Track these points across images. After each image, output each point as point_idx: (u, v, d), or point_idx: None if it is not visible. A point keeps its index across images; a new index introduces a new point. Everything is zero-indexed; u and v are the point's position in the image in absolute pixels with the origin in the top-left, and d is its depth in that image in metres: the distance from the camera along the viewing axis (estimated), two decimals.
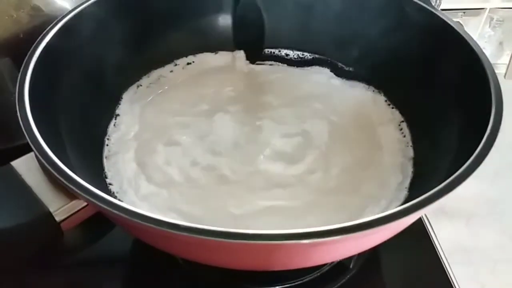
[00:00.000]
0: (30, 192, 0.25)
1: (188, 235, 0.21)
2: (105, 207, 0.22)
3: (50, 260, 0.37)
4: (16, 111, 0.28)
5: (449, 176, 0.26)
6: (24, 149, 0.28)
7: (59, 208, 0.25)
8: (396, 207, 0.31)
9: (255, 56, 0.48)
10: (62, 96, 0.34)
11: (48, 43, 0.33)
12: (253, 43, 0.48)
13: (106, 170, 0.37)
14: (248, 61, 0.48)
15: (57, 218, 0.25)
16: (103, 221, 0.27)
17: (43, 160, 0.24)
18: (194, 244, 0.24)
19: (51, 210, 0.25)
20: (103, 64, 0.40)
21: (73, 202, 0.25)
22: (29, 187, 0.26)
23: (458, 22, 0.37)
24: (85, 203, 0.25)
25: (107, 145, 0.39)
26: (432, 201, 0.25)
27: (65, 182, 0.23)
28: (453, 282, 0.36)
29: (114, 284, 0.37)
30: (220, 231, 0.22)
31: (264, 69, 0.49)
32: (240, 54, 0.48)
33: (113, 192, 0.35)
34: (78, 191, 0.23)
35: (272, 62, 0.49)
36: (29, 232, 0.24)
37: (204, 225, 0.22)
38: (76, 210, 0.25)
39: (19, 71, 0.31)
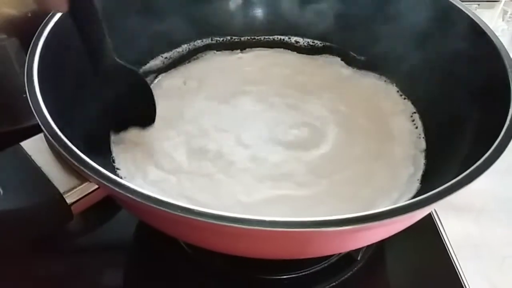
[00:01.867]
0: (40, 173, 0.25)
1: (216, 223, 0.21)
2: (118, 190, 0.21)
3: (54, 244, 0.37)
4: (25, 91, 0.28)
5: (463, 170, 0.25)
6: (30, 131, 0.27)
7: (70, 190, 0.24)
8: (407, 199, 0.30)
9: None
10: (70, 77, 0.34)
11: (56, 23, 0.33)
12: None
13: (113, 154, 0.36)
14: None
15: (68, 200, 0.24)
16: (108, 205, 0.27)
17: (53, 141, 0.24)
18: (206, 229, 0.24)
19: (62, 191, 0.24)
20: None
21: (84, 184, 0.25)
22: (39, 168, 0.25)
23: None
24: (96, 186, 0.25)
25: None
26: (446, 195, 0.24)
27: (77, 164, 0.23)
28: (461, 277, 0.36)
29: (118, 269, 0.37)
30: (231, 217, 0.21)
31: (273, 55, 0.48)
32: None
33: (121, 177, 0.35)
34: (90, 173, 0.23)
35: (282, 50, 0.48)
36: (40, 213, 0.24)
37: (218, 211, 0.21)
38: (87, 192, 0.25)
39: (26, 52, 0.31)
